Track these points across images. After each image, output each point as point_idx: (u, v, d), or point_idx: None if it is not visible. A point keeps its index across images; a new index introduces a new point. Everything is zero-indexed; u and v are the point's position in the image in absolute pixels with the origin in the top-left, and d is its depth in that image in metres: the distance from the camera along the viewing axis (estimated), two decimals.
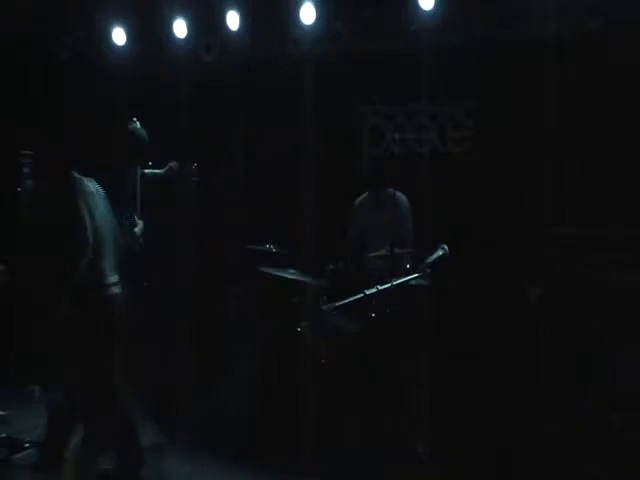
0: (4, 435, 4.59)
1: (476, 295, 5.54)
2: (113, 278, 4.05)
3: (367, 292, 4.70)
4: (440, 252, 4.60)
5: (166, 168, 5.55)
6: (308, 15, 6.19)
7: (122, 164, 5.02)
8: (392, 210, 5.42)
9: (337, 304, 4.89)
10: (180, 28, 6.64)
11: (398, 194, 5.41)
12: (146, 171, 5.35)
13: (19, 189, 6.23)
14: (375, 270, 5.12)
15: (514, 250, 5.58)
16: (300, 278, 5.25)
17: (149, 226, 5.19)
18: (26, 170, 6.24)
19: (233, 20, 6.47)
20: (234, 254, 6.19)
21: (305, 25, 6.25)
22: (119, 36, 6.87)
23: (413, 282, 4.88)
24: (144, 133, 5.12)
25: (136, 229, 5.04)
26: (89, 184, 4.15)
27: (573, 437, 4.36)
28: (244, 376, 5.44)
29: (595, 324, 4.80)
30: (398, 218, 5.45)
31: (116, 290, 4.04)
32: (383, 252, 5.23)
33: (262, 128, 6.63)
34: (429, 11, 5.85)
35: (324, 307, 5.05)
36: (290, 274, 5.24)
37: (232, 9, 6.44)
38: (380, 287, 4.66)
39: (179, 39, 6.69)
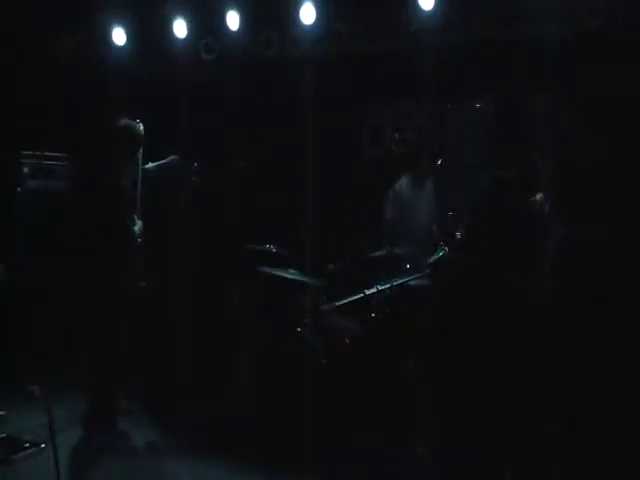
0: (4, 435, 4.59)
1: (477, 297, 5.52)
2: None
3: (367, 292, 4.71)
4: (440, 253, 4.61)
5: (169, 159, 5.58)
6: (308, 15, 6.20)
7: (120, 161, 5.03)
8: (430, 191, 5.66)
9: (337, 304, 4.90)
10: (180, 28, 6.65)
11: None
12: (148, 166, 5.35)
13: (19, 189, 6.25)
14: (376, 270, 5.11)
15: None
16: (300, 278, 5.25)
17: (149, 226, 5.20)
18: (26, 170, 6.26)
19: (233, 20, 6.47)
20: (234, 254, 6.19)
21: (305, 25, 6.25)
22: (119, 36, 6.87)
23: (413, 282, 4.90)
24: (139, 129, 5.12)
25: (135, 228, 5.04)
26: None
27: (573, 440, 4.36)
28: (244, 376, 5.44)
29: None
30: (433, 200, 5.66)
31: None
32: (383, 252, 5.24)
33: (262, 128, 6.63)
34: (429, 11, 5.85)
35: (324, 307, 5.05)
36: (290, 274, 5.24)
37: (232, 9, 6.44)
38: (380, 287, 4.67)
39: (179, 39, 6.70)
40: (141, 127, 5.29)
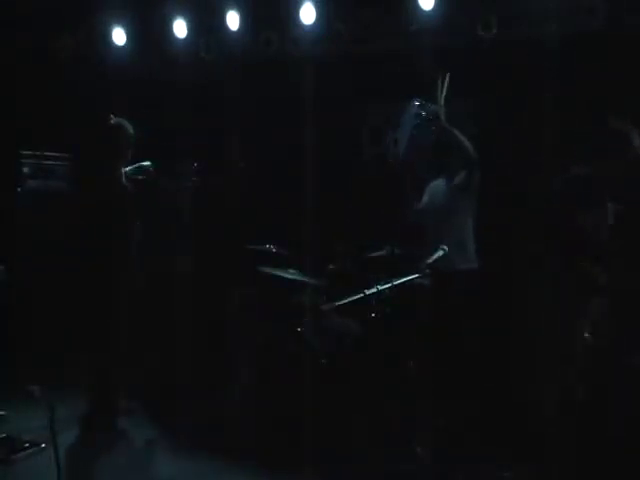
0: (4, 435, 4.59)
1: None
2: None
3: (367, 292, 4.70)
4: (440, 252, 4.61)
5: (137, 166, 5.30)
6: (308, 15, 6.20)
7: (119, 160, 5.02)
8: (457, 188, 5.01)
9: (337, 304, 4.90)
10: (180, 28, 6.65)
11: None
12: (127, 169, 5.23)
13: (19, 189, 6.26)
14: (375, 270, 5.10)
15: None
16: (300, 278, 5.25)
17: (148, 226, 5.20)
18: (26, 170, 6.27)
19: (233, 20, 6.47)
20: (234, 254, 6.20)
21: (305, 25, 6.25)
22: (119, 36, 6.87)
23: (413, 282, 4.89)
24: (131, 128, 5.11)
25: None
26: None
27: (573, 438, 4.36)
28: (244, 376, 5.45)
29: None
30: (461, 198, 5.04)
31: None
32: (383, 252, 5.24)
33: (262, 128, 6.63)
34: (429, 11, 5.85)
35: (324, 307, 5.05)
36: (290, 274, 5.24)
37: (232, 9, 6.44)
38: (380, 287, 4.66)
39: (179, 39, 6.70)
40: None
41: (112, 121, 5.05)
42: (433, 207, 5.08)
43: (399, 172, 5.15)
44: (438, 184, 5.14)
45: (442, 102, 4.75)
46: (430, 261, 4.52)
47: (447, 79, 4.71)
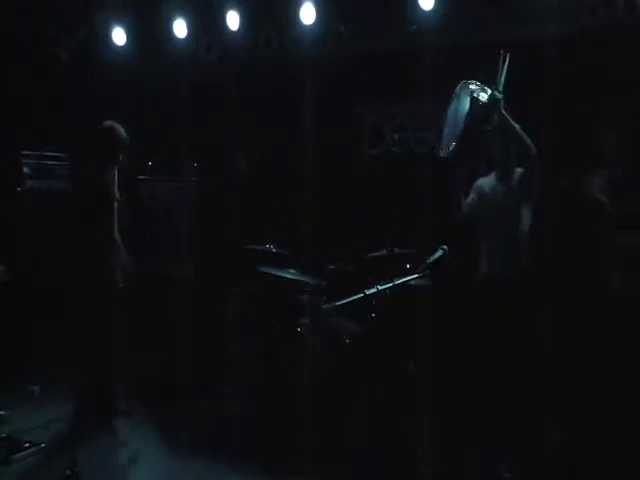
0: (4, 435, 4.59)
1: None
2: None
3: (367, 292, 4.70)
4: (440, 252, 4.60)
5: None
6: (308, 15, 6.20)
7: (105, 162, 5.03)
8: (517, 188, 4.53)
9: (337, 304, 4.90)
10: (180, 28, 6.65)
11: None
12: None
13: (19, 189, 6.26)
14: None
15: None
16: (300, 278, 5.25)
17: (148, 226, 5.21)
18: (26, 170, 6.27)
19: (233, 20, 6.47)
20: (234, 254, 6.20)
21: (305, 25, 6.25)
22: (119, 36, 6.88)
23: (413, 282, 4.89)
24: (122, 131, 5.11)
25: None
26: None
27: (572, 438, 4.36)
28: (244, 376, 5.45)
29: None
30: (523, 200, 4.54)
31: None
32: (383, 252, 5.24)
33: (262, 128, 6.63)
34: (429, 11, 5.85)
35: (324, 307, 5.06)
36: (290, 274, 5.24)
37: (232, 9, 6.44)
38: (380, 287, 4.66)
39: (179, 39, 6.70)
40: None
41: (104, 123, 5.07)
42: (489, 211, 4.58)
43: (448, 164, 4.51)
44: (490, 183, 4.65)
45: (501, 85, 4.28)
46: (430, 261, 4.52)
47: (507, 60, 4.25)
